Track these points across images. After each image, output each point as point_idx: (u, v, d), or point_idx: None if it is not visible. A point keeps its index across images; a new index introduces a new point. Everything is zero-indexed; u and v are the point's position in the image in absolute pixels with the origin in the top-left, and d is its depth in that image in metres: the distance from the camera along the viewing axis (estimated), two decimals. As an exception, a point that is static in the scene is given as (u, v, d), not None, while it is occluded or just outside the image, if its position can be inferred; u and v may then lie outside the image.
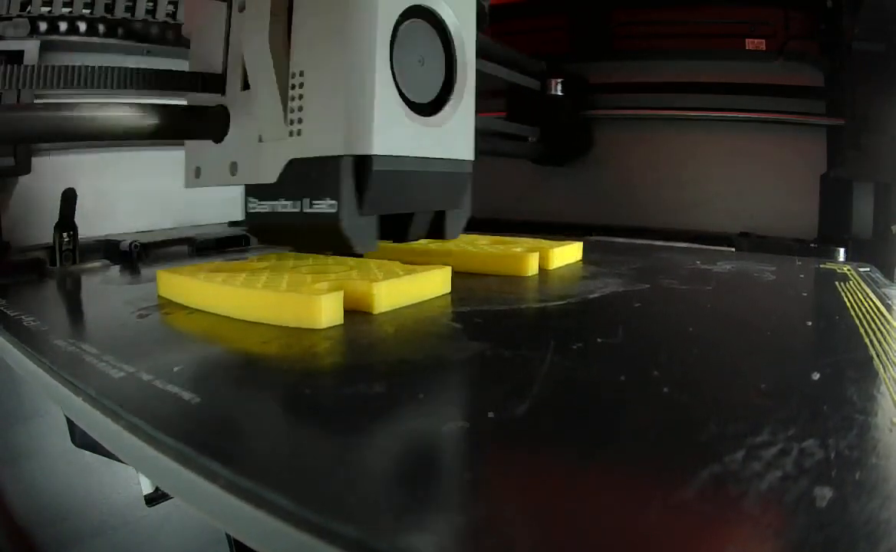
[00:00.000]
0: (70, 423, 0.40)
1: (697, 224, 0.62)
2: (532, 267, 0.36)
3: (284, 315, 0.25)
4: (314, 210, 0.27)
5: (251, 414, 0.17)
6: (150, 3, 0.49)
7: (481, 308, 0.28)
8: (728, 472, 0.13)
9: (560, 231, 0.55)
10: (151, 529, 0.46)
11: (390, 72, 0.27)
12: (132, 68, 0.30)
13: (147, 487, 0.46)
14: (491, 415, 0.16)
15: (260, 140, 0.29)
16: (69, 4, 0.45)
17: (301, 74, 0.28)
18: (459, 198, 0.33)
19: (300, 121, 0.28)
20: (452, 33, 0.30)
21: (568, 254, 0.40)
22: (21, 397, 0.42)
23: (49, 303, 0.34)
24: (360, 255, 0.31)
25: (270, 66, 0.28)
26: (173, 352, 0.22)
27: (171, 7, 0.50)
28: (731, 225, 0.59)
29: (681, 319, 0.27)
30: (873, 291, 0.33)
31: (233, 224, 0.57)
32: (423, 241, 0.41)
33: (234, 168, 0.32)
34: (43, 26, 0.44)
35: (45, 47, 0.44)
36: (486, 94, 0.65)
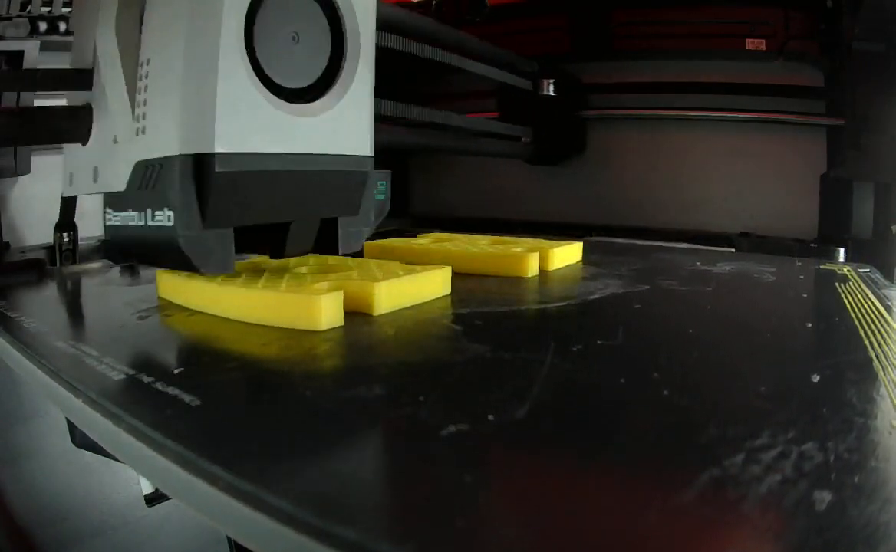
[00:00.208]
0: (70, 424, 0.40)
1: (697, 224, 0.62)
2: (532, 268, 0.36)
3: (284, 316, 0.25)
4: (156, 222, 0.23)
5: (252, 416, 0.17)
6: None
7: (481, 309, 0.28)
8: (727, 476, 0.13)
9: (560, 231, 0.55)
10: (151, 529, 0.46)
11: (243, 50, 0.22)
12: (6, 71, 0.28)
13: (147, 487, 0.46)
14: (491, 417, 0.16)
15: (115, 141, 0.25)
16: (69, 4, 0.45)
17: (148, 63, 0.24)
18: (352, 203, 0.28)
19: (145, 116, 0.24)
20: (340, 3, 0.25)
21: (568, 254, 0.40)
22: (21, 397, 0.42)
23: (49, 304, 0.34)
24: (360, 254, 0.30)
25: (117, 53, 0.24)
26: (173, 353, 0.22)
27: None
28: (731, 225, 0.59)
29: (681, 321, 0.27)
30: (873, 293, 0.33)
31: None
32: (423, 241, 0.41)
33: (95, 173, 0.27)
34: (43, 26, 0.44)
35: (46, 47, 0.44)
36: (478, 95, 0.65)
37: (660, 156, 0.65)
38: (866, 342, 0.23)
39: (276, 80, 0.23)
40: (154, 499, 0.46)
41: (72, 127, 0.28)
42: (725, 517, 0.12)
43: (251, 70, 0.22)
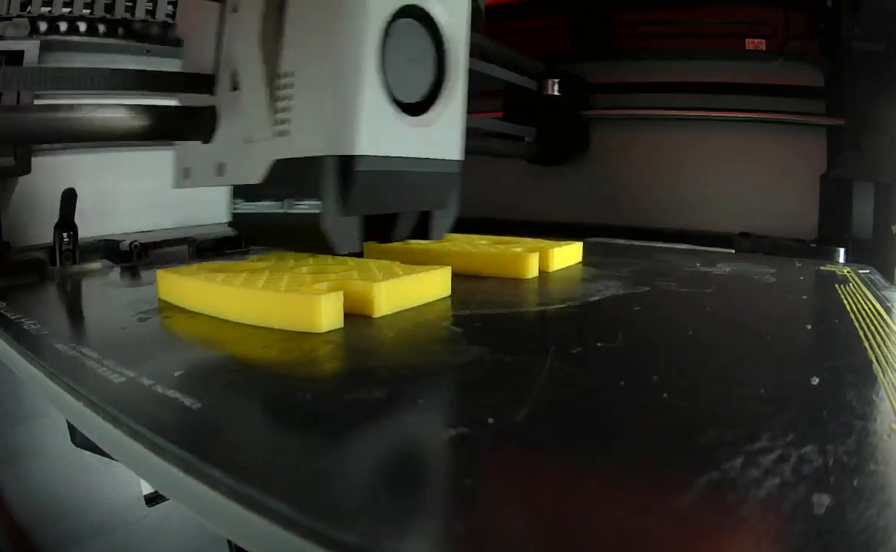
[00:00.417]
0: (70, 424, 0.40)
1: (697, 224, 0.62)
2: (532, 269, 0.36)
3: (284, 315, 0.25)
4: (297, 210, 0.27)
5: (252, 419, 0.17)
6: (150, 4, 0.49)
7: (481, 311, 0.28)
8: (726, 479, 0.13)
9: (560, 231, 0.55)
10: (151, 529, 0.46)
11: (379, 72, 0.27)
12: (123, 69, 0.30)
13: (147, 487, 0.46)
14: (490, 421, 0.16)
15: (247, 141, 0.29)
16: (69, 4, 0.45)
17: (290, 75, 0.28)
18: (446, 198, 0.33)
19: (287, 121, 0.28)
20: (444, 33, 0.30)
21: (568, 255, 0.40)
22: (21, 397, 0.42)
23: (49, 305, 0.34)
24: (360, 255, 0.31)
25: (260, 66, 0.28)
26: (174, 356, 0.22)
27: (170, 7, 0.50)
28: (731, 225, 0.59)
29: (680, 323, 0.27)
30: (873, 294, 0.33)
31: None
32: (423, 242, 0.41)
33: (221, 168, 0.32)
34: (43, 26, 0.44)
35: (46, 47, 0.44)
36: (483, 95, 0.65)
37: (659, 156, 0.65)
38: (866, 344, 0.23)
39: (398, 95, 0.28)
40: (154, 499, 0.46)
41: (194, 126, 0.32)
42: (724, 520, 0.12)
43: (383, 88, 0.27)
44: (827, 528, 0.11)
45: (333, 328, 0.24)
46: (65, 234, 0.40)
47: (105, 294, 0.36)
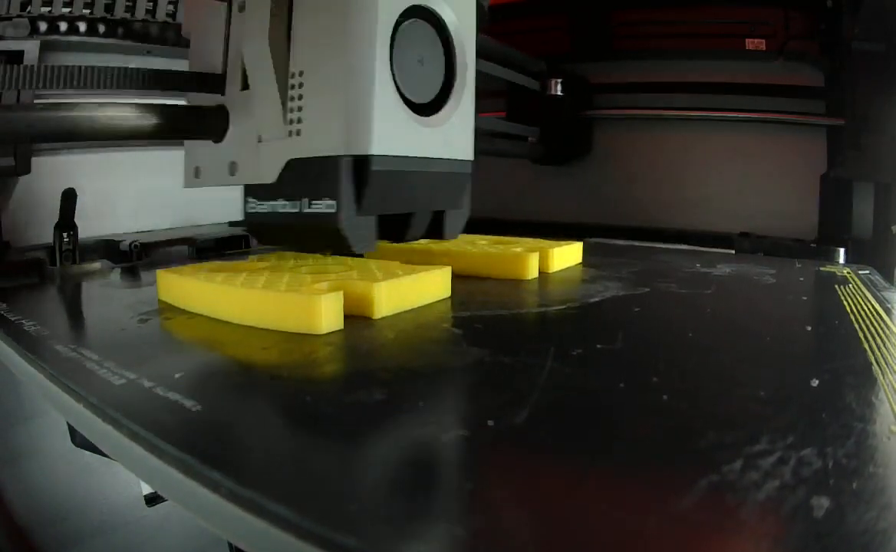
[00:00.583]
0: (70, 424, 0.40)
1: (697, 224, 0.62)
2: (532, 270, 0.36)
3: (284, 316, 0.25)
4: (313, 210, 0.27)
5: (253, 422, 0.17)
6: (150, 4, 0.49)
7: (481, 313, 0.28)
8: (726, 481, 0.13)
9: (560, 231, 0.55)
10: (151, 529, 0.46)
11: (390, 72, 0.27)
12: (132, 68, 0.30)
13: (147, 488, 0.46)
14: (490, 423, 0.16)
15: (259, 140, 0.29)
16: (69, 4, 0.45)
17: (301, 74, 0.28)
18: (459, 198, 0.33)
19: (300, 121, 0.28)
20: (452, 33, 0.30)
21: (568, 255, 0.40)
22: (21, 398, 0.42)
23: (49, 306, 0.34)
24: (361, 255, 0.31)
25: (270, 65, 0.28)
26: (174, 358, 0.22)
27: (170, 7, 0.50)
28: (731, 225, 0.59)
29: (680, 324, 0.27)
30: (873, 295, 0.33)
31: (233, 224, 0.57)
32: (423, 242, 0.41)
33: (233, 168, 0.32)
34: (43, 26, 0.44)
35: (45, 47, 0.44)
36: (486, 94, 0.65)
37: (660, 156, 0.65)
38: (866, 346, 0.23)
39: (409, 96, 0.28)
40: (154, 499, 0.46)
41: (205, 126, 0.32)
42: (724, 522, 0.12)
43: (395, 88, 0.27)
44: (826, 531, 0.11)
45: (333, 329, 0.24)
46: (65, 234, 0.40)
47: (105, 294, 0.36)
